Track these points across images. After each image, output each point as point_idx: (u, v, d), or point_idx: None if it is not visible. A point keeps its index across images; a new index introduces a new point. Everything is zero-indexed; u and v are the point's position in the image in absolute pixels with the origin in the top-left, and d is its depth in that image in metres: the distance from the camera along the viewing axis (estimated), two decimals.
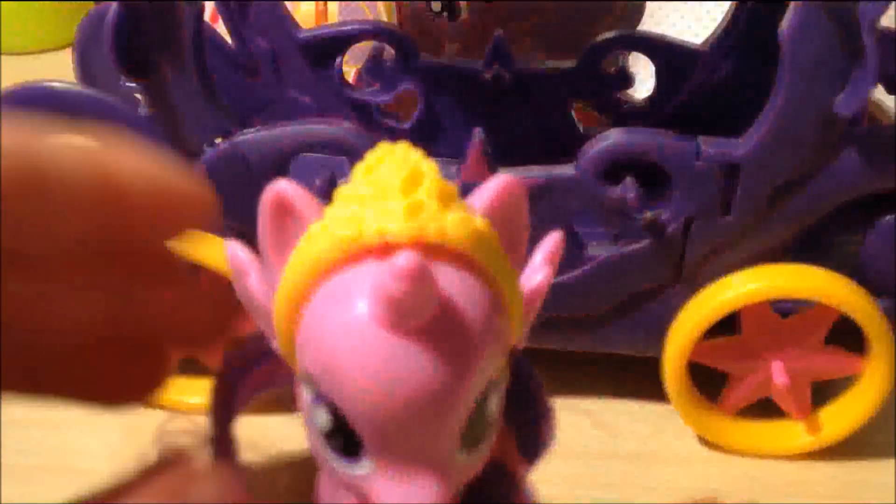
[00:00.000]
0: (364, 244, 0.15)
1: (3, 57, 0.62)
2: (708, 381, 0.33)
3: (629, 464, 0.33)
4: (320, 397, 0.16)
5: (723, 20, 0.39)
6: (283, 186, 0.16)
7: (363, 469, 0.16)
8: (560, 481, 0.32)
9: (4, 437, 0.30)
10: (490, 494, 0.18)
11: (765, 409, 0.33)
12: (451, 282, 0.15)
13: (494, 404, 0.16)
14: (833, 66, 0.28)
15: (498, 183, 0.18)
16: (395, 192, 0.16)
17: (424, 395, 0.15)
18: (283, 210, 0.16)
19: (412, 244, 0.15)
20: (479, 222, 0.16)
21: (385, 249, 0.15)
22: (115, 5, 0.29)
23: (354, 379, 0.15)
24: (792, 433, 0.33)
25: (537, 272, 0.18)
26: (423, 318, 0.15)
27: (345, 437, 0.16)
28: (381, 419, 0.15)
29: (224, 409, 0.18)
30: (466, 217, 0.16)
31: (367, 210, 0.16)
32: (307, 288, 0.16)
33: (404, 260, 0.14)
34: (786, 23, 0.28)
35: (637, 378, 0.35)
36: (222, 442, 0.18)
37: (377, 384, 0.15)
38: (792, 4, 0.27)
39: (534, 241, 0.29)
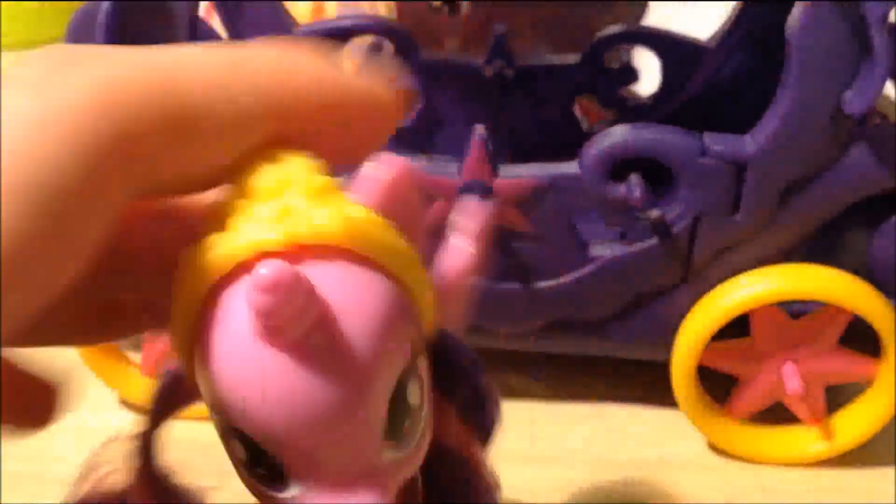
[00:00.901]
0: (240, 260, 0.14)
1: (2, 57, 0.62)
2: (717, 386, 0.32)
3: (637, 470, 0.32)
4: (229, 429, 0.15)
5: (728, 16, 0.38)
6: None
7: (292, 492, 0.15)
8: (567, 487, 0.31)
9: None
10: (449, 482, 0.18)
11: (777, 414, 0.32)
12: (338, 281, 0.14)
13: (415, 392, 0.15)
14: (842, 64, 0.27)
15: (380, 169, 0.17)
16: (264, 199, 0.15)
17: (326, 409, 0.14)
18: None
19: (288, 250, 0.14)
20: (357, 211, 0.15)
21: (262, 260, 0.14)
22: (106, 3, 0.28)
23: (253, 403, 0.14)
24: (804, 439, 0.32)
25: (462, 250, 0.17)
26: (302, 327, 0.14)
27: (266, 464, 0.15)
28: (291, 440, 0.14)
29: (157, 411, 0.18)
30: (337, 209, 0.15)
31: (238, 223, 0.15)
32: (193, 318, 0.15)
33: (266, 269, 0.13)
34: (793, 20, 0.27)
35: (645, 382, 0.34)
36: (146, 442, 0.18)
37: (276, 405, 0.14)
38: (799, 1, 0.27)
39: (538, 238, 0.29)
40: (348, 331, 0.14)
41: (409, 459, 0.16)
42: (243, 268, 0.14)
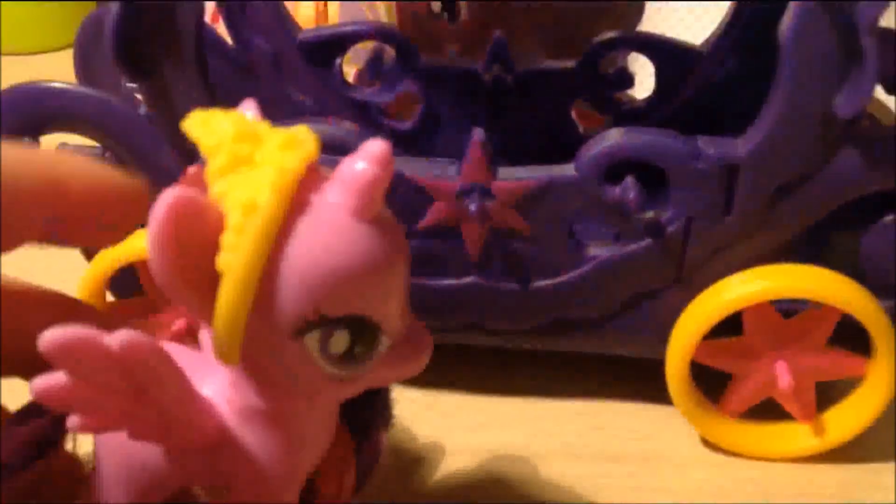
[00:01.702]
0: (300, 179, 0.17)
1: (3, 57, 0.62)
2: (711, 383, 0.33)
3: (631, 466, 0.32)
4: (334, 323, 0.17)
5: (722, 20, 0.39)
6: (182, 192, 0.17)
7: (380, 351, 0.19)
8: (562, 484, 0.32)
9: None
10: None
11: (769, 411, 0.33)
12: None
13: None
14: (832, 67, 0.27)
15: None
16: (259, 135, 0.18)
17: (403, 266, 0.18)
18: (192, 212, 0.17)
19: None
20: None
21: (307, 173, 0.17)
22: (115, 6, 0.29)
23: (365, 271, 0.17)
24: (796, 435, 0.33)
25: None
26: (382, 201, 0.18)
27: (366, 340, 0.18)
28: (389, 293, 0.18)
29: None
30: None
31: (265, 158, 0.17)
32: (268, 252, 0.17)
33: (377, 147, 0.17)
34: (785, 23, 0.27)
35: (639, 379, 0.35)
36: None
37: (380, 265, 0.17)
38: (791, 4, 0.27)
39: (536, 239, 0.29)
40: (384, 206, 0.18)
41: None
42: (303, 184, 0.17)
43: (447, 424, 0.34)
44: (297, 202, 0.17)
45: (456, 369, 0.36)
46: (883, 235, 0.31)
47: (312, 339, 0.17)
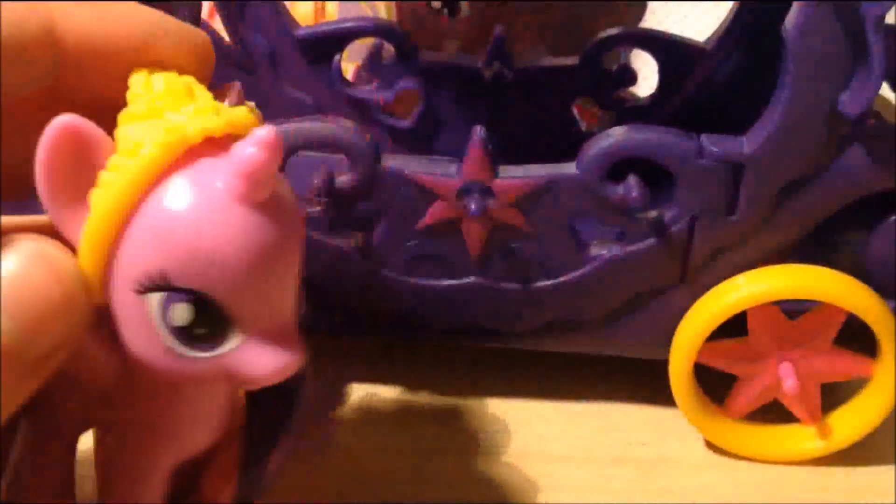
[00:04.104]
0: (190, 143, 0.17)
1: None
2: (715, 385, 0.32)
3: (634, 469, 0.32)
4: (177, 292, 0.17)
5: (726, 17, 0.38)
6: (73, 119, 0.17)
7: (230, 345, 0.18)
8: (565, 487, 0.31)
9: None
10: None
11: (774, 413, 0.32)
12: None
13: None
14: (838, 65, 0.27)
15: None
16: (186, 99, 0.18)
17: (280, 258, 0.18)
18: (79, 141, 0.17)
19: (223, 137, 0.18)
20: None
21: (206, 144, 0.17)
22: None
23: (224, 254, 0.17)
24: (801, 438, 0.32)
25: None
26: (271, 186, 0.17)
27: (210, 322, 0.17)
28: (252, 288, 0.17)
29: None
30: (247, 109, 0.19)
31: (173, 117, 0.17)
32: (135, 199, 0.17)
33: (265, 132, 0.17)
34: (790, 21, 0.27)
35: (642, 381, 0.34)
36: None
37: (246, 253, 0.17)
38: (795, 2, 0.27)
39: (537, 241, 0.29)
40: (284, 196, 0.18)
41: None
42: (192, 152, 0.17)
43: (448, 425, 0.34)
44: (183, 166, 0.17)
45: (456, 370, 0.36)
46: (889, 235, 0.31)
47: (154, 301, 0.17)
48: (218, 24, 0.39)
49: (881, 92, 0.29)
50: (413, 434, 0.33)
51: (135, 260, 0.17)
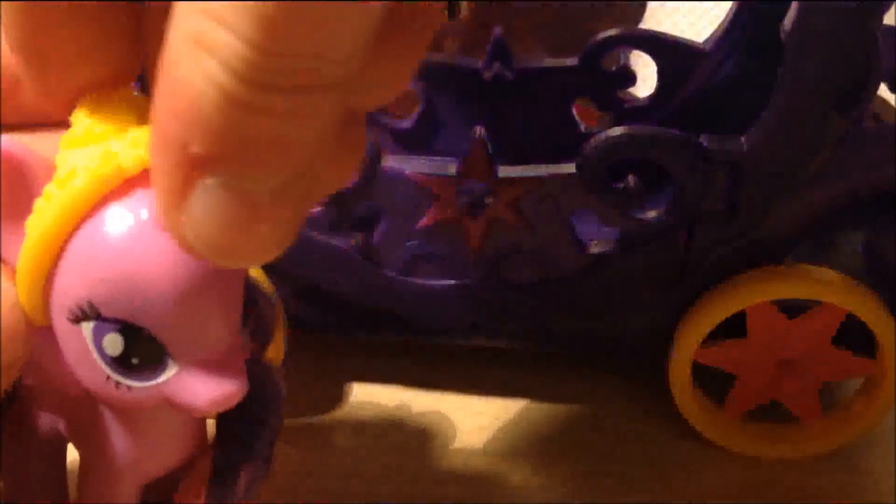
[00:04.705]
0: (126, 175, 0.17)
1: None
2: (714, 384, 0.32)
3: (634, 467, 0.32)
4: (108, 323, 0.17)
5: (725, 18, 0.38)
6: (9, 145, 0.17)
7: (167, 375, 0.17)
8: (564, 485, 0.31)
9: None
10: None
11: (773, 412, 0.32)
12: None
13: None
14: (836, 65, 0.27)
15: None
16: (130, 124, 0.17)
17: (215, 285, 0.17)
18: (15, 168, 0.17)
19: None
20: None
21: (142, 176, 0.17)
22: None
23: (149, 283, 0.17)
24: (800, 437, 0.32)
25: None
26: None
27: (143, 353, 0.17)
28: (184, 317, 0.17)
29: None
30: None
31: (113, 145, 0.17)
32: (67, 228, 0.17)
33: None
34: (788, 20, 0.27)
35: (642, 381, 0.34)
36: None
37: (172, 284, 0.17)
38: (794, 2, 0.27)
39: (536, 238, 0.29)
40: None
41: (245, 347, 0.19)
42: (130, 182, 0.17)
43: (447, 425, 0.34)
44: (119, 195, 0.17)
45: (455, 369, 0.36)
46: (887, 235, 0.31)
47: (88, 331, 0.17)
48: None
49: (881, 92, 0.29)
50: (412, 433, 0.33)
51: (66, 289, 0.17)
